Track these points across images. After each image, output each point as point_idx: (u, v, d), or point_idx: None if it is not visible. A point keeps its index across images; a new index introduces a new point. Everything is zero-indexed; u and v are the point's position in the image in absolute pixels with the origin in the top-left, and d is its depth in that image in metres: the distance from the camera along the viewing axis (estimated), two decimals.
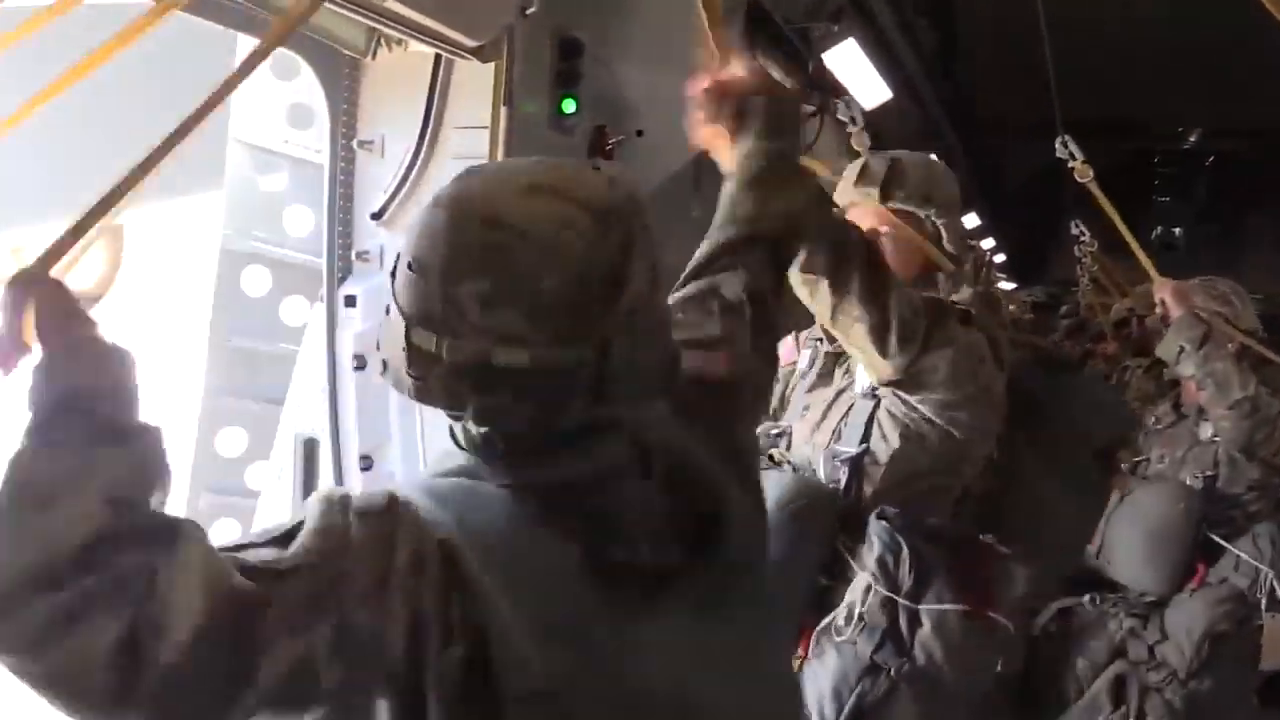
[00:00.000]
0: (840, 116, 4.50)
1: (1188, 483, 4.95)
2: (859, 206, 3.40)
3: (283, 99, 5.29)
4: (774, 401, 3.70)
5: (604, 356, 1.49)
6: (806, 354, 3.70)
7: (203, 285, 5.40)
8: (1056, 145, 5.83)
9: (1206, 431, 5.09)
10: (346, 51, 4.71)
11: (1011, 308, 7.25)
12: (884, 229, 3.34)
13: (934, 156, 3.92)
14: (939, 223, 3.37)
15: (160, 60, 3.30)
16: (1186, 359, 4.85)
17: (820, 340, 3.62)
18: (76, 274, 2.82)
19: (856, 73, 9.00)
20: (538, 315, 1.46)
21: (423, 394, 1.55)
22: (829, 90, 8.12)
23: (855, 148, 3.65)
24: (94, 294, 2.85)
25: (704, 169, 5.76)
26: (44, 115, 2.79)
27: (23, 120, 2.74)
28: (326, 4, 3.80)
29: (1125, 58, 12.61)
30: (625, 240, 1.52)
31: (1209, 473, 4.95)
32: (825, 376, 3.59)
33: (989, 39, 14.45)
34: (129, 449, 1.36)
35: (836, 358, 3.58)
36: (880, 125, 10.52)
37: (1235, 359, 4.85)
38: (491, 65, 4.49)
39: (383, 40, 4.67)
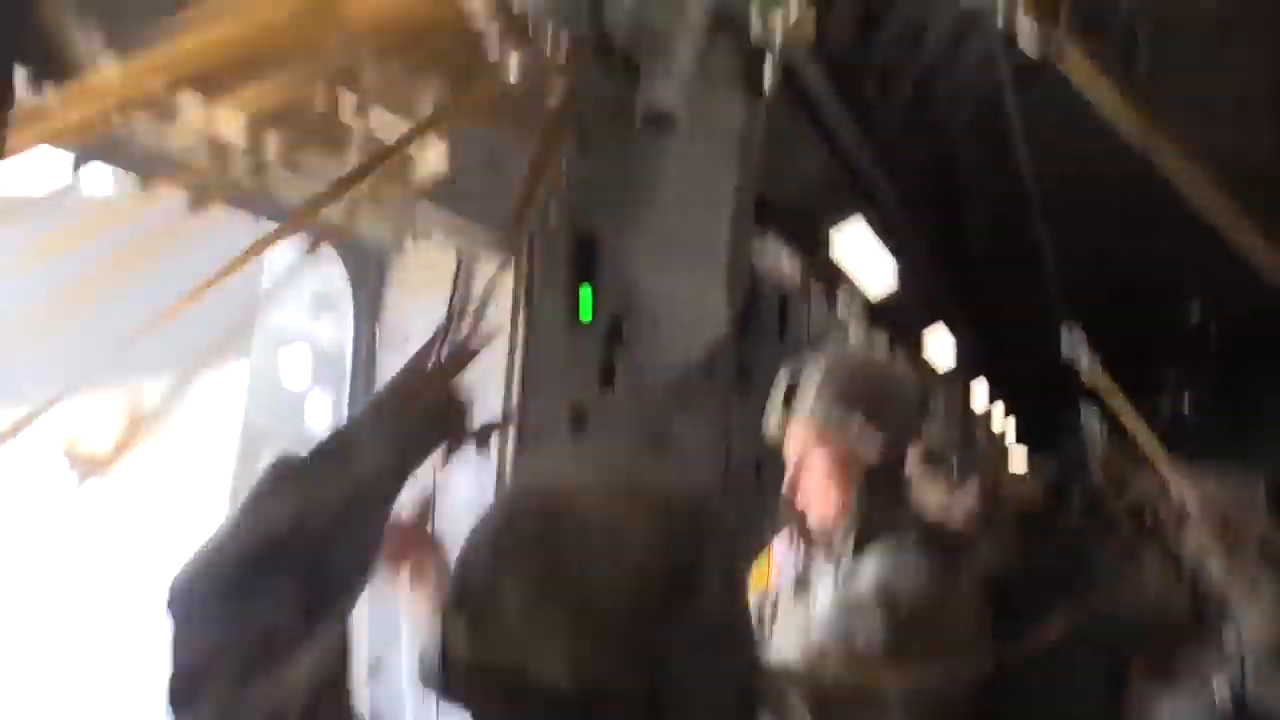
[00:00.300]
0: (840, 314, 4.59)
1: (1213, 690, 4.81)
2: (786, 435, 3.36)
3: (307, 283, 5.44)
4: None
5: (661, 678, 1.29)
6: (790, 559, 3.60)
7: (225, 458, 5.46)
8: (1062, 336, 5.93)
9: (1232, 633, 4.97)
10: (375, 244, 4.87)
11: (1021, 489, 7.20)
12: (805, 456, 3.28)
13: (873, 353, 3.87)
14: (859, 423, 3.25)
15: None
16: (1209, 556, 4.79)
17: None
18: (91, 438, 2.85)
19: (865, 255, 9.21)
20: (585, 619, 1.29)
21: (447, 693, 1.40)
22: (835, 279, 8.32)
23: (854, 338, 3.70)
24: (107, 459, 2.85)
25: (718, 360, 5.91)
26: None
27: (80, 304, 2.83)
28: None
29: (1127, 228, 12.94)
30: (695, 541, 1.37)
31: (1234, 679, 4.81)
32: (802, 585, 3.48)
33: (991, 215, 14.96)
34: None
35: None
36: (888, 306, 10.72)
37: (1261, 555, 4.79)
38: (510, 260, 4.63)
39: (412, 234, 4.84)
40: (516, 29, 2.11)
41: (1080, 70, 2.82)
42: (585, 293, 4.97)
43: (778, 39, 3.34)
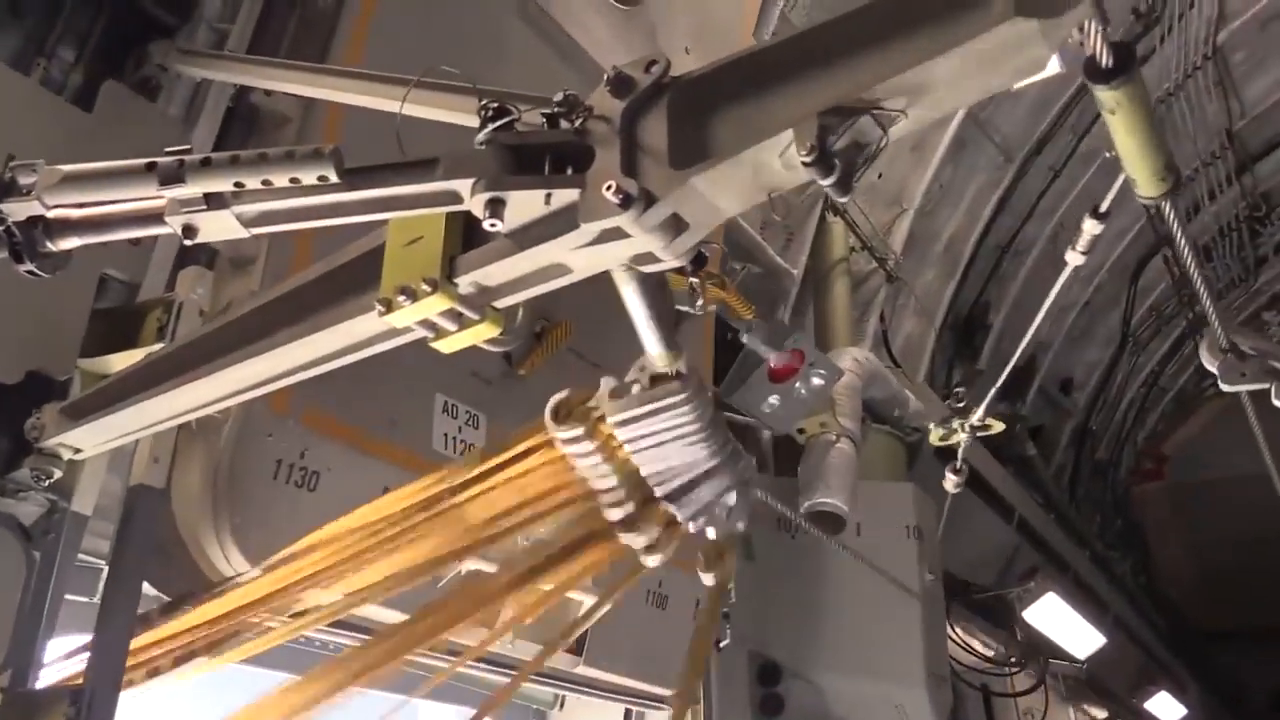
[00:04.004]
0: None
1: None
2: None
3: None
4: None
5: None
6: None
7: None
8: None
9: None
10: (535, 706, 4.46)
11: None
12: None
13: None
14: None
15: None
16: None
17: None
18: None
19: (1063, 625, 8.37)
20: None
21: None
22: (1039, 651, 7.59)
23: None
24: None
25: None
26: None
27: None
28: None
29: None
30: None
31: None
32: None
33: (1185, 552, 13.79)
34: None
35: None
36: (1100, 670, 9.60)
37: None
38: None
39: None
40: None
41: None
42: None
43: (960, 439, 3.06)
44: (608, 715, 4.48)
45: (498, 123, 1.47)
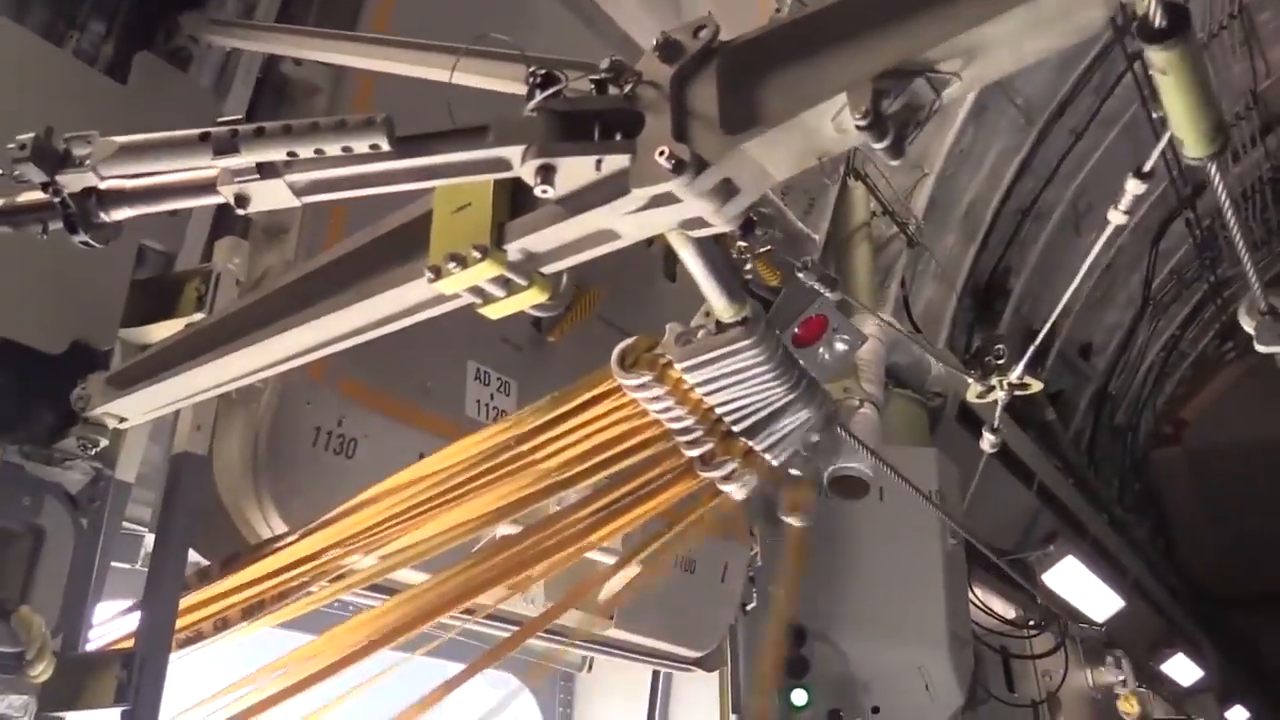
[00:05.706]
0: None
1: None
2: None
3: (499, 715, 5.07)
4: None
5: None
6: None
7: None
8: None
9: None
10: (562, 668, 4.52)
11: None
12: None
13: None
14: None
15: None
16: None
17: None
18: None
19: (1082, 588, 8.42)
20: None
21: None
22: (1059, 613, 7.64)
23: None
24: None
25: None
26: None
27: None
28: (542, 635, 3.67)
29: None
30: None
31: None
32: None
33: (1203, 517, 13.78)
34: None
35: None
36: (1118, 633, 9.64)
37: None
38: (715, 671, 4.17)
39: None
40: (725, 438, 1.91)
41: None
42: (800, 695, 4.39)
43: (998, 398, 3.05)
44: (635, 677, 4.54)
45: (547, 90, 1.47)
